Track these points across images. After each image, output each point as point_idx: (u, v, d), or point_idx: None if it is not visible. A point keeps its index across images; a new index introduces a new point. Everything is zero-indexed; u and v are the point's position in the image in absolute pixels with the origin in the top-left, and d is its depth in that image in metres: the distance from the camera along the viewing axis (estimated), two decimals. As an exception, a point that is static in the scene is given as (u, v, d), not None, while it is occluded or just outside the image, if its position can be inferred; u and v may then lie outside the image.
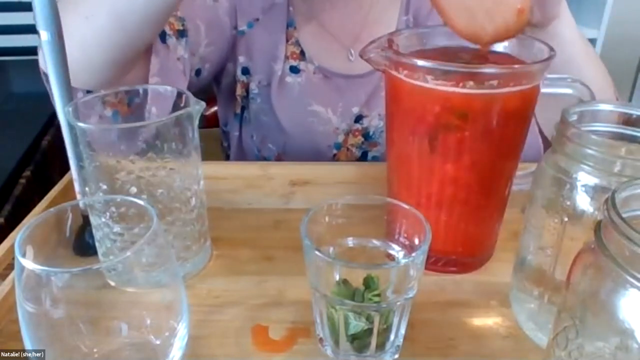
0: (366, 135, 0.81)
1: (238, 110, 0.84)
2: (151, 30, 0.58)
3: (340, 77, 0.80)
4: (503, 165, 0.47)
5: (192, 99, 0.46)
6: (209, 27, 0.74)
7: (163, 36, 0.67)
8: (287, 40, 0.79)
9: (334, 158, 0.81)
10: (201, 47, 0.73)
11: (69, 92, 0.44)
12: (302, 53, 0.79)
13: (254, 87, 0.80)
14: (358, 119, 0.81)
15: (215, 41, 0.76)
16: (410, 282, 0.38)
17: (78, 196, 0.48)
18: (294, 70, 0.79)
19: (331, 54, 0.80)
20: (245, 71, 0.81)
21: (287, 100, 0.79)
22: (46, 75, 0.49)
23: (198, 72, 0.75)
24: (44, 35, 0.42)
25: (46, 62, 0.43)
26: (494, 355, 0.42)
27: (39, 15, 0.41)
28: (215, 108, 1.09)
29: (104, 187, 0.44)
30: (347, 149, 0.81)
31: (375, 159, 0.82)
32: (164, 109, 0.48)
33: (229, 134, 0.88)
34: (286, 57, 0.79)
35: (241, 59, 0.80)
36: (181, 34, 0.69)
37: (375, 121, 0.80)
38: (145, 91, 0.50)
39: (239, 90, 0.82)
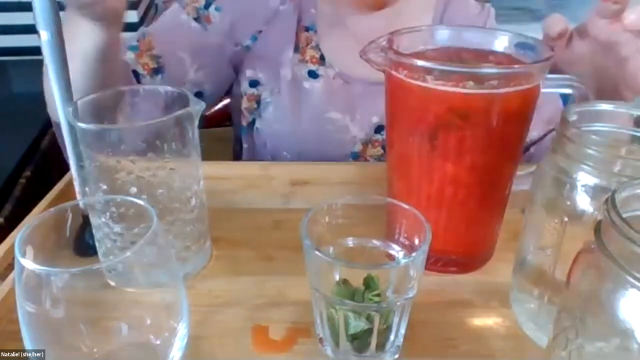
0: (386, 147, 0.79)
1: (244, 123, 0.84)
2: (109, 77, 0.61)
3: (362, 83, 0.78)
4: (503, 165, 0.47)
5: (192, 99, 0.46)
6: (195, 53, 0.76)
7: (137, 77, 0.72)
8: (307, 44, 0.78)
9: None
10: (189, 74, 0.76)
11: (69, 92, 0.44)
12: (322, 57, 0.78)
13: (266, 96, 0.80)
14: (379, 129, 0.79)
15: (208, 63, 0.78)
16: (410, 282, 0.38)
17: (78, 196, 0.48)
18: (313, 74, 0.78)
19: (355, 59, 0.77)
20: (254, 83, 0.80)
21: (304, 106, 0.78)
22: (57, 124, 0.49)
23: (199, 94, 0.77)
24: (44, 35, 0.42)
25: (45, 61, 0.43)
26: (494, 355, 0.42)
27: (39, 16, 0.41)
28: (216, 108, 1.09)
29: (104, 187, 0.44)
30: (365, 159, 0.80)
31: None
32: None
33: (241, 143, 0.88)
34: (305, 61, 0.78)
35: (249, 73, 0.80)
36: (156, 71, 0.73)
37: None
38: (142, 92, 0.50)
39: (245, 104, 0.82)
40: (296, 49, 0.78)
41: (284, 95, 0.78)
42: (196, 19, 0.80)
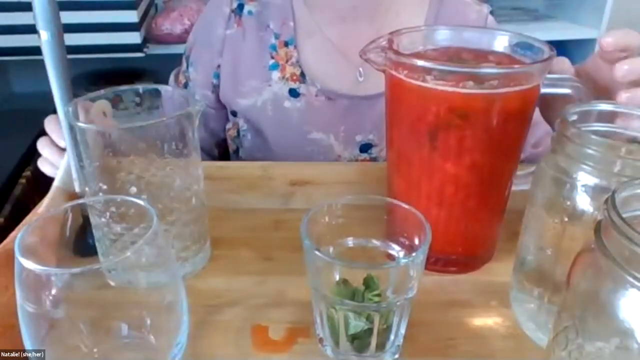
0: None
1: (231, 151, 0.84)
2: None
3: (346, 99, 0.75)
4: (503, 165, 0.47)
5: (192, 99, 0.46)
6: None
7: None
8: (286, 60, 0.75)
9: None
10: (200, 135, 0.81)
11: (69, 92, 0.44)
12: (303, 75, 0.75)
13: (242, 124, 0.79)
14: (364, 147, 0.76)
15: (205, 121, 0.81)
16: (410, 282, 0.38)
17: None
18: (294, 93, 0.75)
19: (338, 73, 0.75)
20: (234, 113, 0.80)
21: (285, 129, 0.75)
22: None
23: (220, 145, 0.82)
24: (44, 35, 0.42)
25: (45, 61, 0.43)
26: (494, 355, 0.42)
27: (39, 15, 0.41)
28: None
29: (104, 187, 0.44)
30: None
31: None
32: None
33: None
34: (285, 79, 0.75)
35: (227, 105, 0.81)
36: None
37: (385, 151, 0.75)
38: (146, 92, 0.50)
39: (229, 133, 0.82)
40: (275, 66, 0.76)
41: (259, 122, 0.76)
42: (185, 85, 0.81)
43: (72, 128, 0.43)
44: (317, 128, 0.75)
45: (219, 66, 0.77)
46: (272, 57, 0.76)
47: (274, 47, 0.76)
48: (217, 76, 0.78)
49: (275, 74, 0.75)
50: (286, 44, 0.75)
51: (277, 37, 0.76)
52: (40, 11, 0.41)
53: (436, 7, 0.77)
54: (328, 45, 0.75)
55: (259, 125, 0.76)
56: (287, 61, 0.75)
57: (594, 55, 0.50)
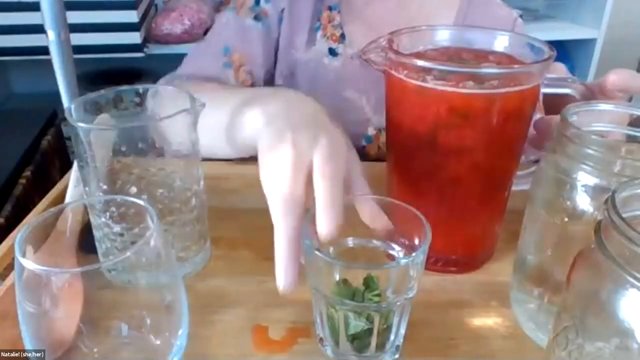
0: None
1: None
2: None
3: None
4: (503, 165, 0.47)
5: (193, 98, 0.46)
6: (266, 55, 0.78)
7: None
8: (329, 21, 0.78)
9: (364, 150, 0.80)
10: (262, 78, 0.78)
11: (75, 89, 0.45)
12: (343, 36, 0.79)
13: (277, 79, 0.80)
14: None
15: (270, 60, 0.79)
16: (410, 282, 0.38)
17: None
18: (333, 52, 0.79)
19: None
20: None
21: (320, 84, 0.79)
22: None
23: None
24: (51, 34, 0.42)
25: (53, 60, 0.43)
26: (494, 355, 0.42)
27: (46, 15, 0.42)
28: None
29: (104, 187, 0.44)
30: (379, 147, 0.80)
31: None
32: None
33: None
34: (326, 38, 0.79)
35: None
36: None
37: None
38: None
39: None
40: (318, 28, 0.79)
41: (298, 78, 0.79)
42: (256, 19, 0.79)
43: (72, 128, 0.43)
44: (351, 88, 0.79)
45: (282, 10, 0.79)
46: (318, 20, 0.80)
47: (320, 11, 0.80)
48: (280, 20, 0.79)
49: (319, 34, 0.79)
50: (330, 8, 0.79)
51: (322, 1, 0.80)
52: (47, 11, 0.42)
53: (465, 6, 0.80)
54: (363, 20, 0.79)
55: (297, 80, 0.79)
56: (329, 22, 0.79)
57: (594, 85, 0.51)
